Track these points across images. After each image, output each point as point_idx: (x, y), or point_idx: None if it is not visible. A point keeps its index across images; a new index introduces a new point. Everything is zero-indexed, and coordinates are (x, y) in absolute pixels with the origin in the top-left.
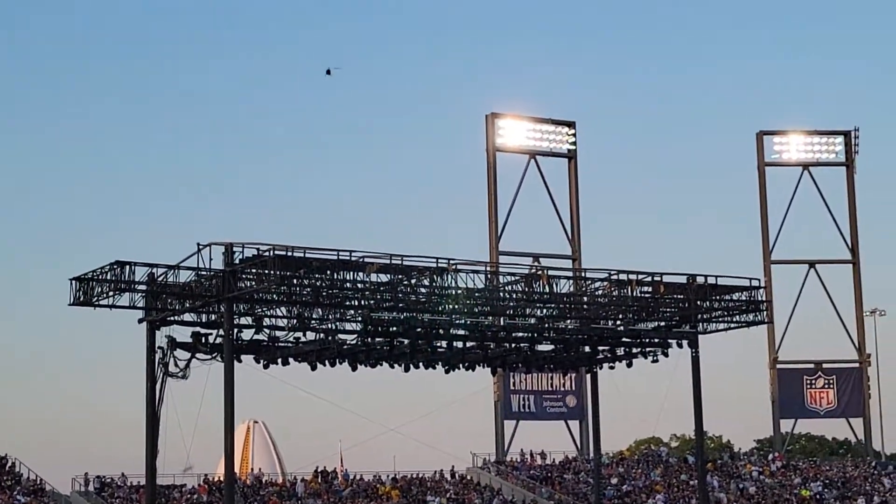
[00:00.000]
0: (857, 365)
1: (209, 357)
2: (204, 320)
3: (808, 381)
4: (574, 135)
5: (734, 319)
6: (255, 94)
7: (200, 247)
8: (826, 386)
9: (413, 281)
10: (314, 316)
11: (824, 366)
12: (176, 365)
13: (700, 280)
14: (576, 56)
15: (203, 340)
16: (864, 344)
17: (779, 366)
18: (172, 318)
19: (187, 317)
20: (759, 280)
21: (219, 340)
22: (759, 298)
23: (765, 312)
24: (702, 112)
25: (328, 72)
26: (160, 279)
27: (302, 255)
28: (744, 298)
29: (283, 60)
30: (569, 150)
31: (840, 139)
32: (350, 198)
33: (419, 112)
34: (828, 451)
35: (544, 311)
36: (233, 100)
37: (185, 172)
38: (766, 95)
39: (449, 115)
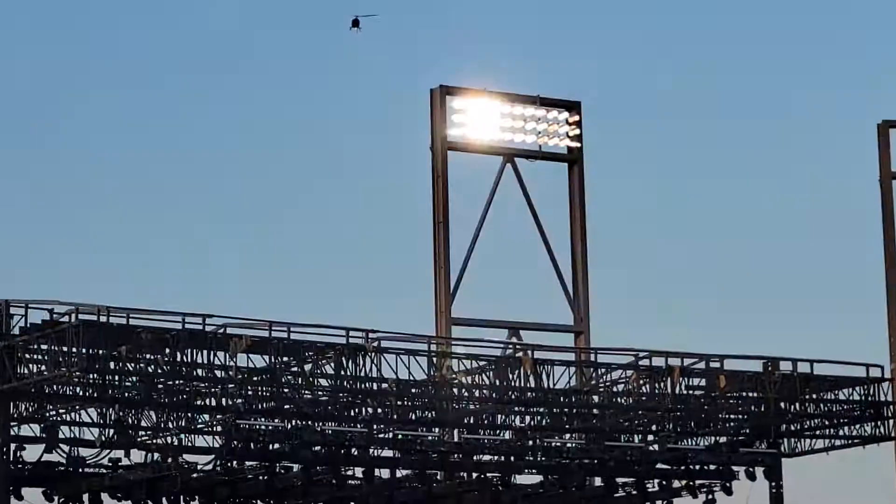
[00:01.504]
0: None
1: None
2: None
3: None
4: (578, 124)
5: (840, 433)
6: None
7: None
8: None
9: (308, 367)
10: (142, 424)
11: None
12: None
13: (785, 368)
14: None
15: None
16: None
17: None
18: None
19: None
20: (881, 368)
21: None
22: (883, 398)
23: (892, 421)
24: (775, 93)
25: (356, 23)
26: None
27: (124, 320)
28: (857, 398)
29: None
30: (569, 150)
31: None
32: (206, 233)
33: (319, 86)
34: None
35: (527, 418)
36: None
37: None
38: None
39: (360, 87)
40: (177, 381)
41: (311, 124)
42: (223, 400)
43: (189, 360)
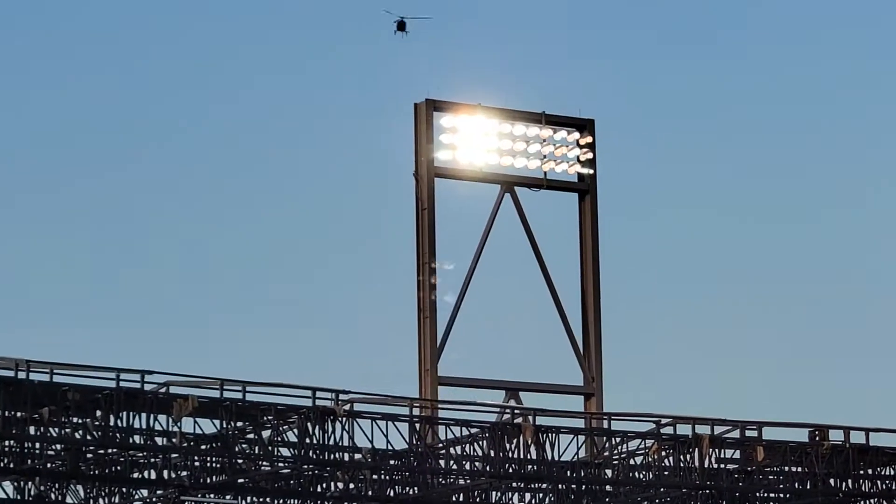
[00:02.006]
0: None
1: None
2: None
3: None
4: (591, 146)
5: None
6: None
7: None
8: None
9: (266, 433)
10: (70, 500)
11: None
12: None
13: (836, 438)
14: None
15: None
16: None
17: None
18: None
19: None
20: None
21: None
22: None
23: None
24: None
25: (402, 26)
26: None
27: (48, 377)
28: None
29: None
30: (580, 177)
31: None
32: (147, 276)
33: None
34: None
35: (528, 496)
36: None
37: None
38: None
39: (339, 107)
40: (110, 450)
41: (281, 155)
42: (165, 472)
43: (125, 424)
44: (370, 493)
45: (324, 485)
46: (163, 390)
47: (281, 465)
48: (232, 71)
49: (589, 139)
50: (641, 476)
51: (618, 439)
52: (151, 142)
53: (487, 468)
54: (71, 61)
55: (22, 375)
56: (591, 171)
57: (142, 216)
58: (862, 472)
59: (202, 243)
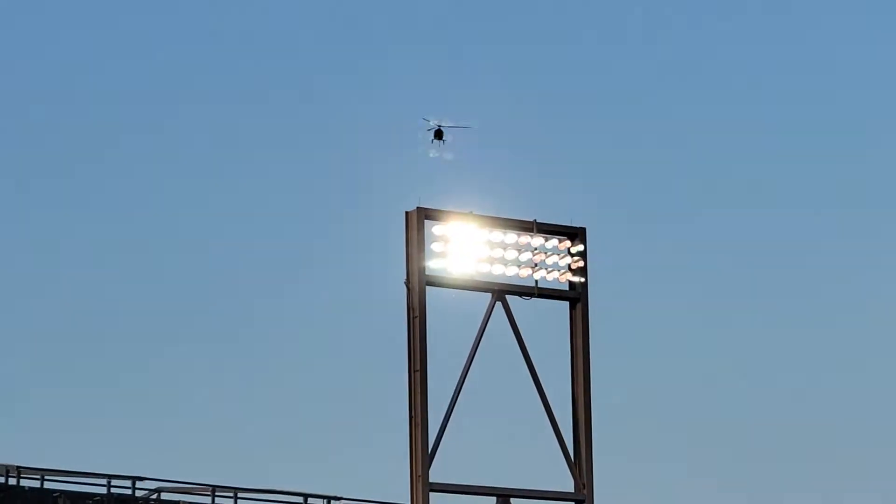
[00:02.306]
0: None
1: None
2: None
3: None
4: (582, 254)
5: None
6: None
7: None
8: None
9: None
10: None
11: None
12: None
13: None
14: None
15: None
16: None
17: None
18: None
19: None
20: None
21: None
22: None
23: None
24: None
25: (439, 134)
26: None
27: (38, 482)
28: None
29: None
30: (571, 285)
31: None
32: (138, 379)
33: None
34: None
35: None
36: None
37: None
38: None
39: (328, 211)
40: None
41: (266, 257)
42: None
43: None
44: None
45: None
46: (154, 496)
47: None
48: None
49: (580, 247)
50: None
51: None
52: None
53: None
54: None
55: (13, 482)
56: (583, 280)
57: (133, 319)
58: None
59: (195, 349)
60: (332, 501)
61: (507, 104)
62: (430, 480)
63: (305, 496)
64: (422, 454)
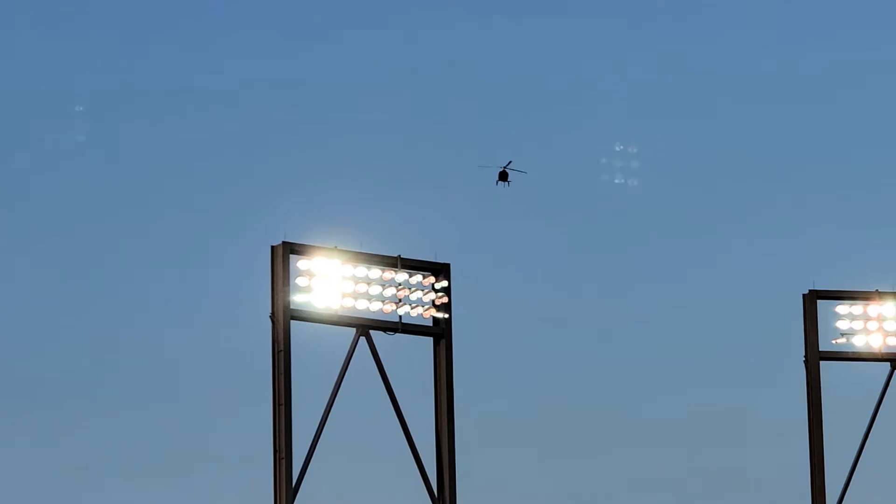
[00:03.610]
0: None
1: None
2: None
3: None
4: (447, 290)
5: None
6: None
7: None
8: None
9: None
10: None
11: None
12: None
13: None
14: (437, 158)
15: None
16: None
17: None
18: None
19: None
20: None
21: None
22: None
23: None
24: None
25: (504, 176)
26: None
27: None
28: None
29: None
30: (435, 321)
31: None
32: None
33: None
34: None
35: None
36: None
37: None
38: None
39: (196, 249)
40: None
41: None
42: None
43: None
44: None
45: None
46: None
47: None
48: None
49: (444, 283)
50: None
51: None
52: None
53: None
54: None
55: None
56: (447, 315)
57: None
58: None
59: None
60: None
61: (373, 141)
62: None
63: None
64: (286, 489)
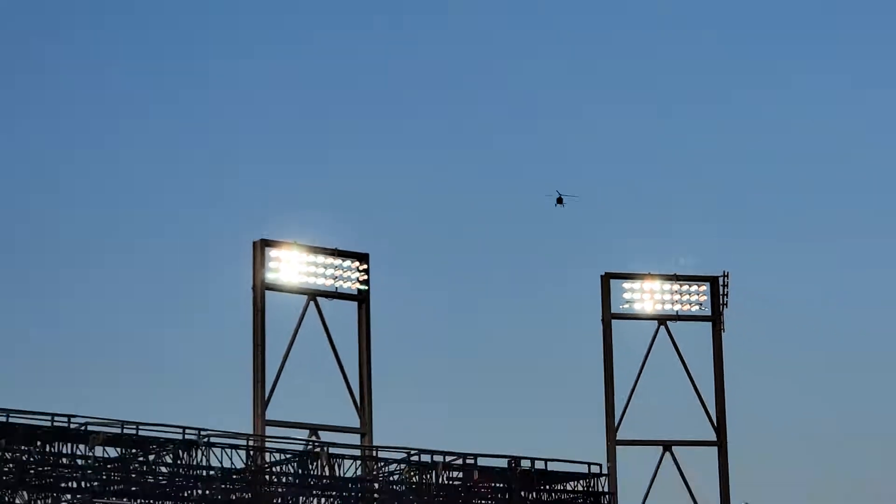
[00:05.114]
0: None
1: None
2: None
3: None
4: (366, 271)
5: None
6: None
7: None
8: None
9: (151, 457)
10: (18, 502)
11: None
12: None
13: (526, 464)
14: (368, 176)
15: None
16: None
17: None
18: None
19: None
20: (600, 465)
21: None
22: (601, 488)
23: None
24: (517, 244)
25: (560, 200)
26: None
27: (4, 418)
28: (581, 488)
29: None
30: (359, 291)
31: (705, 287)
32: (69, 349)
33: (164, 236)
34: None
35: (323, 500)
36: None
37: None
38: (611, 226)
39: (205, 240)
40: (45, 468)
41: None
42: (82, 483)
43: (55, 451)
44: (219, 497)
45: (188, 492)
46: (83, 428)
47: (160, 479)
48: None
49: (365, 266)
50: (397, 489)
51: (381, 464)
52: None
53: (297, 482)
54: None
55: None
56: (366, 288)
57: None
58: (542, 487)
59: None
60: (201, 431)
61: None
62: (267, 418)
63: (183, 428)
64: (261, 400)
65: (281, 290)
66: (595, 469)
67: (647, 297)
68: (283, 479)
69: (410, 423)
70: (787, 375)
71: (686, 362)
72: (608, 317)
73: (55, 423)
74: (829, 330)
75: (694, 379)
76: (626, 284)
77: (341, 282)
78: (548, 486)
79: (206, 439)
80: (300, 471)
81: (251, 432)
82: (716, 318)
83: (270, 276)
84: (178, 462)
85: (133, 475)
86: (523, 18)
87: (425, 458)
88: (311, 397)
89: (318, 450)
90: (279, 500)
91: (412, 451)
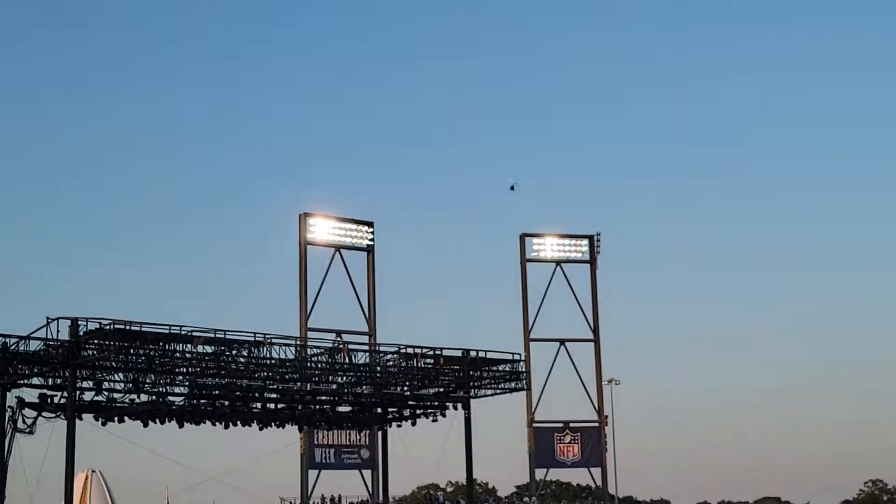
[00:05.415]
0: (596, 424)
1: (54, 415)
2: (50, 384)
3: (558, 438)
4: (372, 232)
5: (499, 387)
6: (101, 185)
7: (49, 320)
8: (572, 441)
9: (234, 352)
10: (147, 381)
11: (571, 425)
12: (24, 422)
13: (473, 354)
14: (376, 166)
15: (49, 401)
16: (603, 407)
17: (535, 425)
18: (22, 382)
19: (35, 381)
20: (520, 354)
21: (63, 401)
22: (520, 370)
23: (524, 381)
24: (474, 216)
25: (512, 188)
26: (12, 348)
27: (138, 328)
28: (507, 370)
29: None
30: (367, 246)
31: (585, 242)
32: (181, 281)
33: (242, 210)
34: (573, 495)
35: (344, 378)
36: (82, 192)
37: (36, 254)
38: (526, 203)
39: (269, 212)
40: (164, 359)
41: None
42: (189, 369)
43: (171, 348)
44: (278, 376)
45: (259, 373)
46: (189, 333)
47: (240, 365)
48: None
49: (371, 229)
50: (392, 370)
51: (382, 354)
52: None
53: (327, 366)
54: None
55: (127, 327)
56: (372, 244)
57: None
58: (484, 369)
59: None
60: (267, 335)
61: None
62: (309, 326)
63: (254, 333)
64: (304, 315)
65: (317, 245)
66: (516, 357)
67: (547, 247)
68: (318, 365)
69: (401, 328)
70: (646, 292)
71: (574, 289)
72: (524, 260)
73: (171, 331)
74: (669, 258)
75: (579, 299)
76: (536, 240)
77: (356, 239)
78: (487, 368)
79: (269, 340)
80: (329, 360)
81: (298, 335)
82: (592, 261)
83: (309, 236)
84: (251, 355)
85: (222, 363)
86: None
87: (409, 350)
88: (337, 313)
89: (341, 346)
90: (316, 378)
91: (401, 346)
